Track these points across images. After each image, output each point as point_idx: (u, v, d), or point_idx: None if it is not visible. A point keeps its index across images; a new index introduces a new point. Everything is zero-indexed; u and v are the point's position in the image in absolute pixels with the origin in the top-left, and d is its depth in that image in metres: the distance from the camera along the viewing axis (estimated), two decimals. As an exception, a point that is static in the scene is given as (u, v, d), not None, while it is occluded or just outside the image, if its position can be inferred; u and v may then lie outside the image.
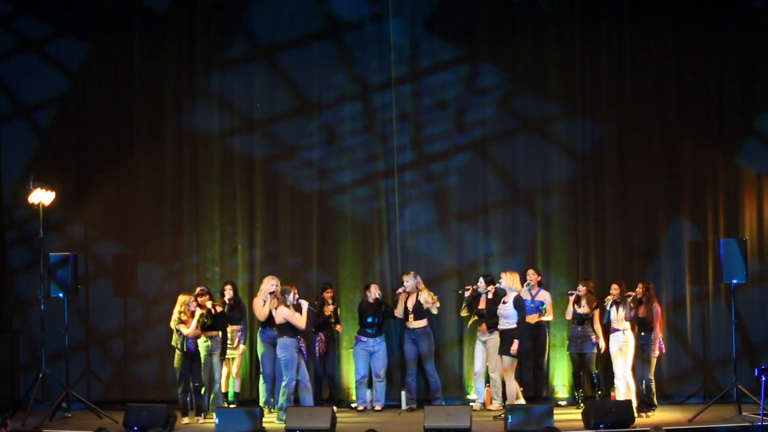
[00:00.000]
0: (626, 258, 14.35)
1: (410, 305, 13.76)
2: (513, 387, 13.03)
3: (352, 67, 14.63)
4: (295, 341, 12.88)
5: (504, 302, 13.12)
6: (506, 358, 13.00)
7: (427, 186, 14.59)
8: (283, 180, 14.64)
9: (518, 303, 12.97)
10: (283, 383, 12.89)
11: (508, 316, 13.00)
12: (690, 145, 14.38)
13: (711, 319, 14.27)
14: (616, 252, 14.37)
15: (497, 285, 13.28)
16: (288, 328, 12.86)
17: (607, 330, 13.50)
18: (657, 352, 13.11)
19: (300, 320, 12.81)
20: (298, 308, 12.87)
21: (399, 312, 13.85)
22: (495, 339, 13.37)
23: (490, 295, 13.46)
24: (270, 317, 13.53)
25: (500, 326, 13.11)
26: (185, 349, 12.93)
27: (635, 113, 14.43)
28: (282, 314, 12.84)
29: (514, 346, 12.86)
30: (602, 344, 13.50)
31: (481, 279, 13.66)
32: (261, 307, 13.60)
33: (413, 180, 14.57)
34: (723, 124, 14.38)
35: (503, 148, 14.57)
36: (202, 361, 13.16)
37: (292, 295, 12.89)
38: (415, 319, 13.73)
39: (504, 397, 13.32)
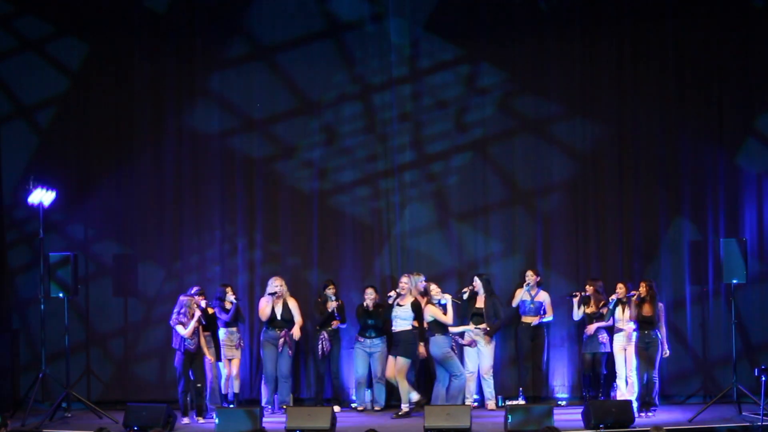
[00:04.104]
0: (626, 258, 14.35)
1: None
2: (406, 387, 13.33)
3: (352, 67, 14.63)
4: (449, 339, 12.97)
5: (400, 305, 13.34)
6: (401, 360, 13.24)
7: (427, 186, 14.59)
8: (283, 180, 14.63)
9: (416, 307, 13.23)
10: (455, 380, 13.02)
11: (406, 318, 13.24)
12: (690, 145, 14.38)
13: (711, 319, 14.27)
14: (616, 252, 14.37)
15: (398, 291, 13.46)
16: (438, 326, 12.95)
17: (612, 329, 13.55)
18: (667, 351, 13.17)
19: (447, 317, 12.92)
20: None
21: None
22: (486, 340, 13.64)
23: (390, 300, 13.62)
24: (272, 317, 13.57)
25: (395, 328, 13.33)
26: (184, 349, 12.94)
27: (635, 113, 14.43)
28: (429, 312, 12.97)
29: (422, 349, 13.26)
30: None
31: (476, 279, 13.72)
32: (263, 307, 13.64)
33: (413, 180, 14.57)
34: (723, 124, 14.37)
35: (503, 148, 14.57)
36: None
37: (434, 291, 13.00)
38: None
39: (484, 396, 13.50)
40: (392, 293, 13.58)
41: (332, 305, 13.77)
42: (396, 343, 13.39)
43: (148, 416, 12.49)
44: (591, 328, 13.55)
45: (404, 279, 13.56)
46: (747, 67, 14.35)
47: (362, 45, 14.60)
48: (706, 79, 14.38)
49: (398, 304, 13.42)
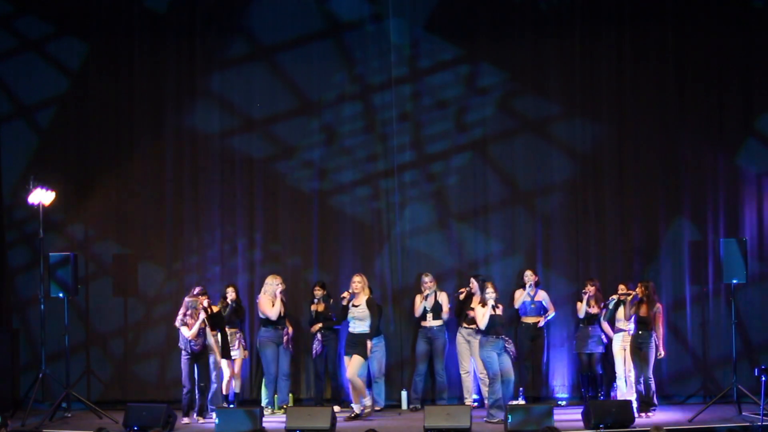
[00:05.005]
0: (626, 258, 14.36)
1: (429, 305, 13.81)
2: (361, 385, 13.19)
3: (352, 67, 14.63)
4: (501, 341, 12.89)
5: (355, 305, 13.20)
6: (357, 359, 13.09)
7: (427, 186, 14.59)
8: (283, 180, 14.64)
9: (370, 304, 13.17)
10: (491, 382, 12.89)
11: (363, 318, 13.14)
12: (690, 145, 14.39)
13: (711, 319, 14.27)
14: (616, 252, 14.38)
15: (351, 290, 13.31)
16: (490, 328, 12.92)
17: (611, 330, 13.57)
18: (662, 353, 13.14)
19: (482, 320, 12.82)
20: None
21: (418, 312, 13.91)
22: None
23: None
24: (280, 316, 13.58)
25: (354, 329, 13.18)
26: (190, 350, 12.93)
27: (635, 113, 14.43)
28: (480, 313, 12.90)
29: (370, 345, 13.12)
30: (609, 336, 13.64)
31: (472, 280, 13.71)
32: (271, 308, 13.60)
33: (413, 180, 14.57)
34: (723, 124, 14.38)
35: (503, 148, 14.57)
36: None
37: (489, 293, 12.92)
38: (434, 318, 13.81)
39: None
40: (345, 294, 13.39)
41: (314, 308, 13.75)
42: (354, 344, 13.15)
43: (148, 416, 12.48)
44: (604, 325, 13.54)
45: (356, 278, 13.35)
46: (747, 67, 14.36)
47: (362, 45, 14.60)
48: (706, 79, 14.39)
49: (353, 305, 13.25)
